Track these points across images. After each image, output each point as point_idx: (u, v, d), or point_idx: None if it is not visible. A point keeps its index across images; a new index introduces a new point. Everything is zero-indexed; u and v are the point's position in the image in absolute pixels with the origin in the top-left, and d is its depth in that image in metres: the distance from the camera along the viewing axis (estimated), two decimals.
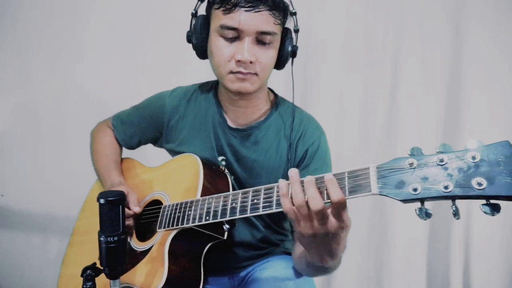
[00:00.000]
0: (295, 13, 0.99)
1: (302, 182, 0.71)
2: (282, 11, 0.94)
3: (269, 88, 1.13)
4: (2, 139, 1.86)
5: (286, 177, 1.05)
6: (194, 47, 1.01)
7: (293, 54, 1.02)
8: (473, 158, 0.58)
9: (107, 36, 1.78)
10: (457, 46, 1.71)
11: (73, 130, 1.79)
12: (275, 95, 1.14)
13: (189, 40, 1.02)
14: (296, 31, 1.01)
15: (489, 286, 1.78)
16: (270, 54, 0.96)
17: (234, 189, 1.04)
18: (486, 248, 1.77)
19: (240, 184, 1.08)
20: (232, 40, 0.93)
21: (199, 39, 0.98)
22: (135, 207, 1.00)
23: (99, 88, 1.80)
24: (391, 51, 1.76)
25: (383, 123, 1.81)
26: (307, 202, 0.68)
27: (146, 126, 1.17)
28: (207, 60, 1.03)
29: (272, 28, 0.92)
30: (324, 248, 0.74)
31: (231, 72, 0.94)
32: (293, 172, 0.71)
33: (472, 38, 1.68)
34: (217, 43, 0.94)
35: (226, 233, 0.94)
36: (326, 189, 0.68)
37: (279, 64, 1.01)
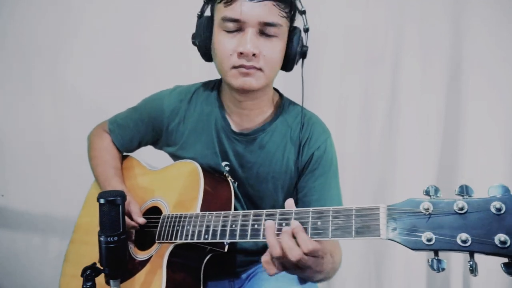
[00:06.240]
0: (304, 12, 0.94)
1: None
2: (288, 3, 0.90)
3: (274, 88, 1.08)
4: (2, 139, 1.85)
5: (291, 181, 1.03)
6: (198, 48, 0.97)
7: (303, 55, 0.97)
8: (498, 210, 0.52)
9: (105, 36, 1.77)
10: (457, 45, 1.70)
11: (72, 130, 1.78)
12: (280, 95, 1.10)
13: (194, 42, 0.98)
14: (306, 30, 0.96)
15: (489, 287, 1.78)
16: (275, 47, 0.90)
17: (237, 196, 1.02)
18: None
19: (245, 190, 1.05)
20: (234, 33, 0.89)
21: (202, 38, 0.95)
22: (139, 218, 0.96)
23: (98, 88, 1.79)
24: (391, 51, 1.75)
25: (383, 123, 1.80)
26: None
27: (144, 128, 1.13)
28: (206, 63, 1.00)
29: (277, 19, 0.88)
30: (306, 274, 0.75)
31: (234, 67, 0.90)
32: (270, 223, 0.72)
33: (473, 37, 1.67)
34: (219, 37, 0.91)
35: (226, 247, 0.92)
36: (295, 238, 0.68)
37: (287, 64, 0.96)
